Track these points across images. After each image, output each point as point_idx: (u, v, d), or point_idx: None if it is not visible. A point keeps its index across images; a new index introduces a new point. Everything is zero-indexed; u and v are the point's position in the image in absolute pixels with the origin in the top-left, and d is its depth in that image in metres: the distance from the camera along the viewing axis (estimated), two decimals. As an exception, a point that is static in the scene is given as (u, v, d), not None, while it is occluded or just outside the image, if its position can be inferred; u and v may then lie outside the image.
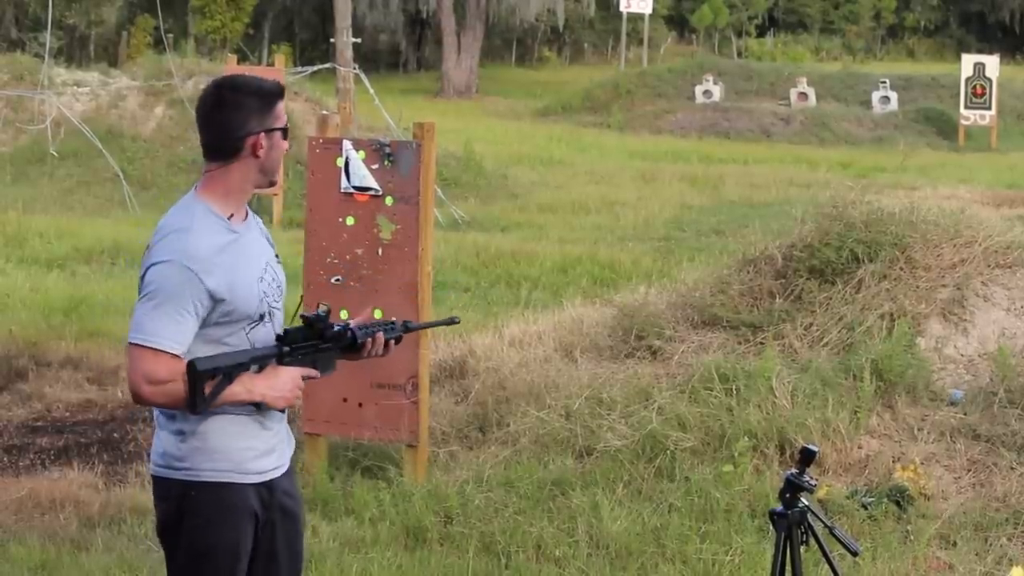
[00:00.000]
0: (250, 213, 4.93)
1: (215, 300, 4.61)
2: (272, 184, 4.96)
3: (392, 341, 5.01)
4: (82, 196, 23.42)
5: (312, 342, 4.82)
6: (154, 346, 4.56)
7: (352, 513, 8.33)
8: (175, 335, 4.57)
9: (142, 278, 4.66)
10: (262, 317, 4.77)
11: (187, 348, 4.60)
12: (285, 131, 4.81)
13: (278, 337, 4.78)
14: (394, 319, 5.15)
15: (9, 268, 16.69)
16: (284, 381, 4.73)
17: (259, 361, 4.71)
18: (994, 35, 66.68)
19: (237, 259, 4.70)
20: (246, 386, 4.66)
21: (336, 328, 4.87)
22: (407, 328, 5.08)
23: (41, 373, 11.84)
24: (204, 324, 4.64)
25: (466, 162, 26.16)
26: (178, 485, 4.73)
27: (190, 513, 4.71)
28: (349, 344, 4.90)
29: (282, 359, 4.76)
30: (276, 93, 4.80)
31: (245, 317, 4.71)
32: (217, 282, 4.60)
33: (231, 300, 4.65)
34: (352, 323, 4.96)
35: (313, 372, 4.82)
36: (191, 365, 4.53)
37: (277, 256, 4.97)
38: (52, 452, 10.04)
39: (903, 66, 56.27)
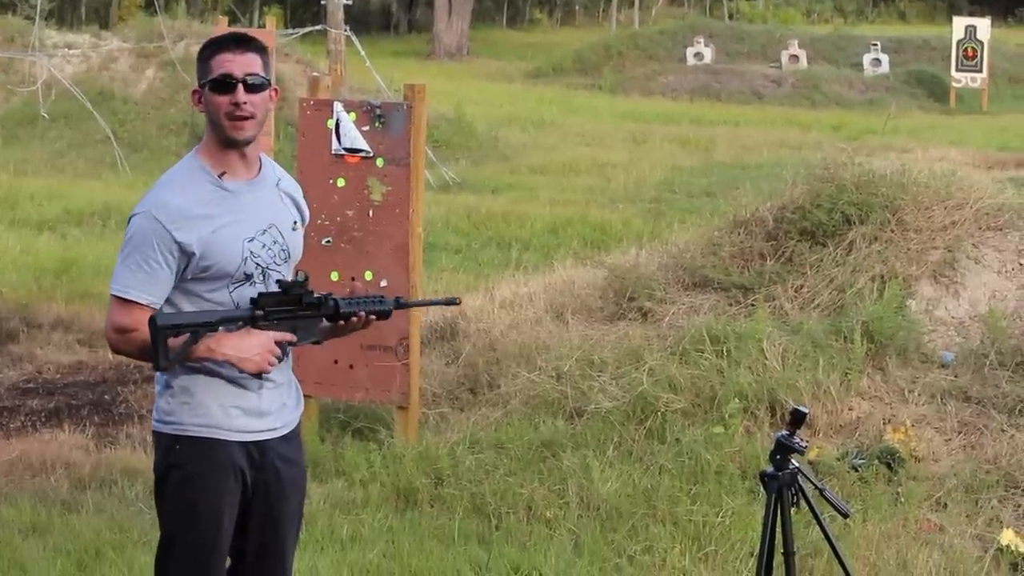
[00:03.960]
0: (272, 176, 4.88)
1: (186, 253, 4.60)
2: (233, 145, 4.70)
3: (374, 316, 4.85)
4: (73, 158, 23.41)
5: (289, 308, 4.73)
6: (123, 295, 4.61)
7: (343, 475, 8.34)
8: (144, 285, 4.59)
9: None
10: (248, 277, 4.72)
11: (160, 299, 4.62)
12: (216, 83, 4.66)
13: (252, 301, 4.70)
14: (383, 296, 4.95)
15: (0, 230, 16.67)
16: (252, 345, 4.64)
17: (228, 323, 4.63)
18: (986, -3, 66.45)
19: (221, 216, 4.67)
20: (209, 345, 4.60)
21: (316, 296, 4.77)
22: (399, 304, 4.95)
23: (32, 335, 11.84)
24: (182, 278, 4.64)
25: (457, 124, 26.14)
26: (166, 438, 4.75)
27: (175, 467, 4.73)
28: (332, 314, 4.79)
29: (256, 323, 4.67)
30: (213, 45, 4.73)
31: (226, 275, 4.68)
32: (188, 236, 4.59)
33: (206, 255, 4.62)
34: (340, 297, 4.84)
35: (289, 337, 4.72)
36: (152, 320, 4.51)
37: (295, 222, 4.90)
38: (43, 414, 10.04)
39: (894, 28, 56.07)
